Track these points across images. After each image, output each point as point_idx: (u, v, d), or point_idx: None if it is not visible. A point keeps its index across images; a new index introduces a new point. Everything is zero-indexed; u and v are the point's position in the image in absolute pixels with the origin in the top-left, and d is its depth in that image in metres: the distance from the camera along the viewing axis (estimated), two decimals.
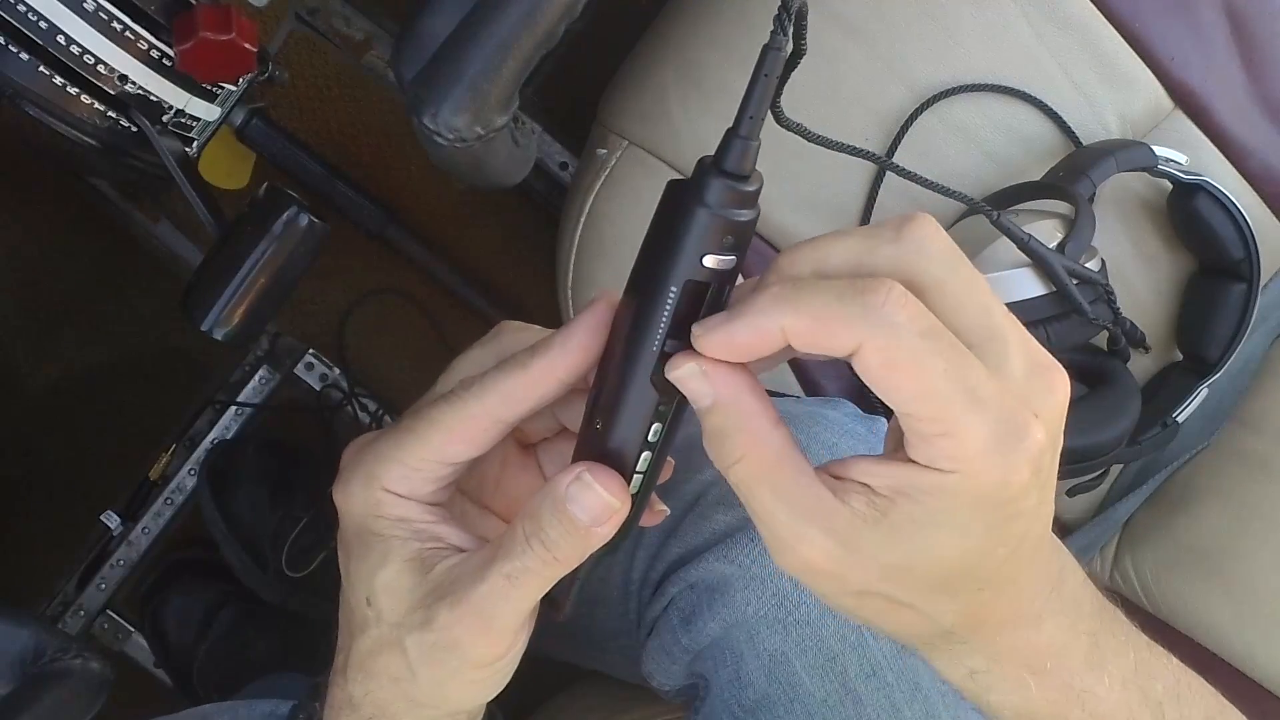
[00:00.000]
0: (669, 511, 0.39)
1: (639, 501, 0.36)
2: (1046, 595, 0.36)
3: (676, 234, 0.31)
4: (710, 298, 0.32)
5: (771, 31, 0.30)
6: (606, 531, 0.34)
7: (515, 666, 0.38)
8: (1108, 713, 0.37)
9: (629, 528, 0.35)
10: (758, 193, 0.32)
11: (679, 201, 0.31)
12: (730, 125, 0.31)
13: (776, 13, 0.30)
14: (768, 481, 0.32)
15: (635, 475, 0.35)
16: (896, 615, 0.34)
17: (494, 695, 0.39)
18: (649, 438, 0.34)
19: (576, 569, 0.36)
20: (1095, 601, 0.38)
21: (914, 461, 0.30)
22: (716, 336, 0.31)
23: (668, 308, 0.31)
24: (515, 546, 0.34)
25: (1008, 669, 0.36)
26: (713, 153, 0.31)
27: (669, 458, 0.36)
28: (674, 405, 0.34)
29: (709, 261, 0.31)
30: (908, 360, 0.29)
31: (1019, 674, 0.36)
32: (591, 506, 0.34)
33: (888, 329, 0.29)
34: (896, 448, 0.31)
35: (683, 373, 0.32)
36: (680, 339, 0.32)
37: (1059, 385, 0.31)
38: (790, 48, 0.30)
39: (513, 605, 0.35)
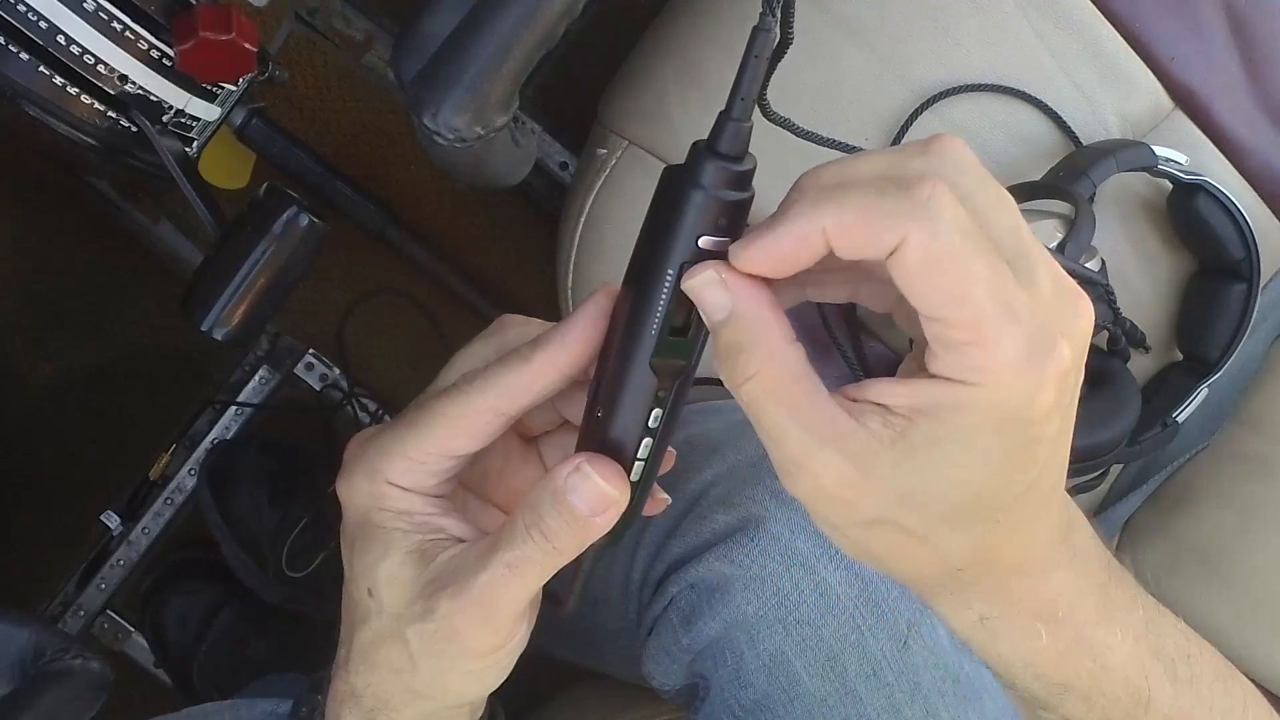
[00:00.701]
0: (670, 500, 0.39)
1: (641, 490, 0.36)
2: (1057, 545, 0.35)
3: (672, 217, 0.31)
4: None
5: (760, 13, 0.30)
6: (606, 521, 0.34)
7: (514, 660, 0.38)
8: (1119, 665, 0.37)
9: (631, 517, 0.35)
10: (751, 174, 0.32)
11: (674, 185, 0.31)
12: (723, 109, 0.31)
13: None
14: (781, 399, 0.30)
15: (637, 462, 0.35)
16: (907, 548, 0.32)
17: (493, 688, 0.39)
18: (649, 424, 0.34)
19: (579, 561, 0.36)
20: (1103, 558, 0.37)
21: (936, 376, 0.29)
22: (756, 246, 0.30)
23: (665, 291, 0.31)
24: (516, 536, 0.34)
25: (1018, 616, 0.35)
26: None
27: (670, 448, 0.36)
28: (674, 390, 0.34)
29: (705, 243, 0.31)
30: (950, 259, 0.28)
31: (1030, 622, 0.35)
32: (590, 496, 0.34)
33: (934, 224, 0.28)
34: (914, 372, 0.30)
35: (700, 280, 0.31)
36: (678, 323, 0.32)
37: (1084, 311, 0.30)
38: (778, 33, 0.31)
39: (513, 594, 0.35)
